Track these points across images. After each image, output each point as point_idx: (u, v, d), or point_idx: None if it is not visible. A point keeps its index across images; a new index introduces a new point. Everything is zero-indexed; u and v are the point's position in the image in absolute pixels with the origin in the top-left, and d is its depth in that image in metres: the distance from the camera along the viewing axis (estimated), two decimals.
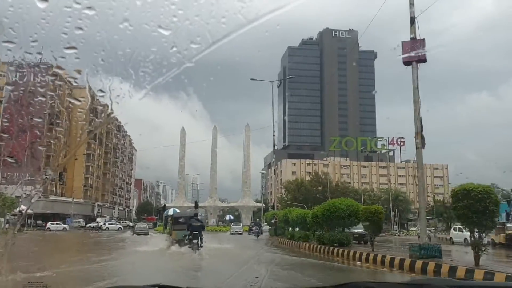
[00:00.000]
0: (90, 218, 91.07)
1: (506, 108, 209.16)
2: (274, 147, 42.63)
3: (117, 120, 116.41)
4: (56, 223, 62.43)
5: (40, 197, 57.31)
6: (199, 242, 20.96)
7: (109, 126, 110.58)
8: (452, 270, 12.00)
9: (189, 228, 21.32)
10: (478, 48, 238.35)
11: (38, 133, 78.95)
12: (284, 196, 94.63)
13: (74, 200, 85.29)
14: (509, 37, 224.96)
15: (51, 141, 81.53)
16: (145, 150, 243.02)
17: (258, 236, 41.53)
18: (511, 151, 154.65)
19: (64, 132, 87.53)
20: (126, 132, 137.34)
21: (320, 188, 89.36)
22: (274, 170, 48.45)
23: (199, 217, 24.69)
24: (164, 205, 53.75)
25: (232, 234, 52.02)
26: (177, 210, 48.10)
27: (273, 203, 49.67)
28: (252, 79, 40.29)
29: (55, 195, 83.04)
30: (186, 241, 21.83)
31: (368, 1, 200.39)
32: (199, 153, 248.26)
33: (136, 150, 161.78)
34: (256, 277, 10.79)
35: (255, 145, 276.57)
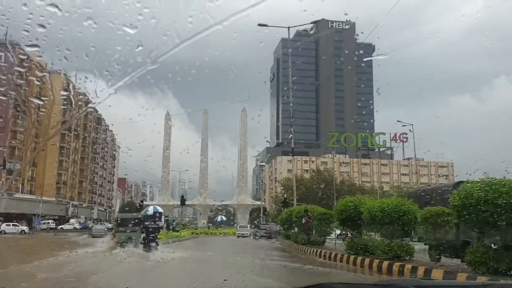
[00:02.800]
0: (63, 219, 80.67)
1: (488, 110, 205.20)
2: (291, 123, 31.64)
3: (96, 111, 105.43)
4: (13, 225, 52.10)
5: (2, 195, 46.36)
6: (155, 245, 20.81)
7: (88, 117, 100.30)
8: None
9: (143, 230, 20.92)
10: (463, 51, 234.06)
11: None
12: (280, 195, 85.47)
13: (45, 199, 74.86)
14: (492, 42, 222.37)
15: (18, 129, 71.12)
16: (129, 147, 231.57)
17: (258, 239, 39.24)
18: (493, 153, 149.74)
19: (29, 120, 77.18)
20: (108, 126, 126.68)
21: (322, 186, 79.95)
22: (292, 149, 38.16)
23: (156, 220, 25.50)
24: (142, 202, 43.19)
25: (238, 237, 47.62)
26: (159, 209, 39.04)
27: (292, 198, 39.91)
28: (260, 24, 30.72)
29: (22, 192, 72.39)
30: (130, 243, 21.82)
31: None
32: (185, 154, 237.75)
33: (119, 147, 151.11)
34: (225, 280, 9.76)
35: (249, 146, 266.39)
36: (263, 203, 61.47)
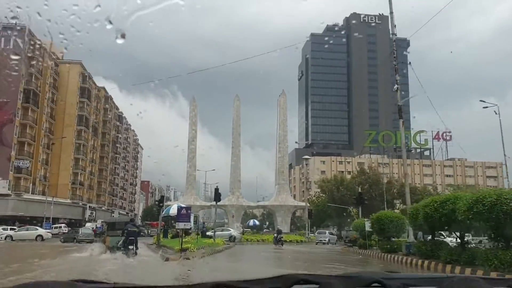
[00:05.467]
0: (80, 223, 73.51)
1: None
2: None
3: (117, 108, 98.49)
4: (11, 229, 44.85)
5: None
6: (135, 248, 20.62)
7: (108, 114, 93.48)
8: None
9: (124, 234, 20.81)
10: (492, 54, 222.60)
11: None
12: (314, 197, 76.92)
13: (58, 200, 67.80)
14: None
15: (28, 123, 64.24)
16: (153, 150, 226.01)
17: (283, 244, 36.13)
18: None
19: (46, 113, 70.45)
20: (130, 126, 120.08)
21: (366, 187, 70.85)
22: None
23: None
24: (162, 197, 34.40)
25: (317, 243, 43.83)
26: (184, 206, 30.98)
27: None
28: None
29: (34, 193, 65.42)
30: (120, 247, 21.06)
31: None
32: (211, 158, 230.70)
33: (142, 148, 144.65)
34: (189, 270, 10.63)
35: (266, 150, 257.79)
36: (308, 205, 51.97)
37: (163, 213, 33.84)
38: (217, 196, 29.72)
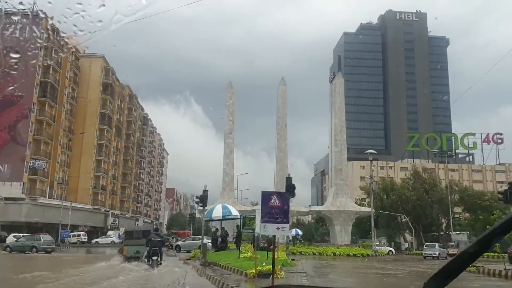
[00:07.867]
0: (102, 232, 67.06)
1: None
2: None
3: (142, 109, 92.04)
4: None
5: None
6: (159, 259, 19.48)
7: (132, 114, 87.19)
8: None
9: (148, 244, 19.78)
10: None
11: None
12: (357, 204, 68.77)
13: (79, 206, 61.52)
14: None
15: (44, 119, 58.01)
16: (179, 155, 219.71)
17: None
18: None
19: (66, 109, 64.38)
20: (155, 128, 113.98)
21: (421, 192, 62.50)
22: None
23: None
24: (205, 193, 25.27)
25: (425, 257, 40.23)
26: (230, 208, 24.56)
27: None
28: None
29: (51, 197, 59.03)
30: (143, 257, 20.40)
31: None
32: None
33: (167, 154, 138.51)
34: None
35: (295, 158, 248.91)
36: (373, 210, 43.05)
37: (206, 214, 26.05)
38: (290, 188, 22.03)
